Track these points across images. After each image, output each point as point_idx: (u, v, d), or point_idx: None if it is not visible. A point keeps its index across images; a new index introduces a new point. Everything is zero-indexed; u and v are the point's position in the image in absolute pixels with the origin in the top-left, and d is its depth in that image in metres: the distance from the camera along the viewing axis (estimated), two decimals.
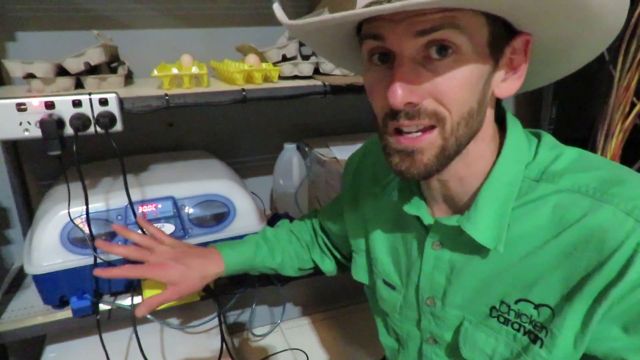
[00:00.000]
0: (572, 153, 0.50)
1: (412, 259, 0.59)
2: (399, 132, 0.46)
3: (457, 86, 0.43)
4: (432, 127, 0.45)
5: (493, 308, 0.52)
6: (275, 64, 0.94)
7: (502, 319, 0.52)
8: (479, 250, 0.51)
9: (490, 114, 0.50)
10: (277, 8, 0.48)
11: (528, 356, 0.49)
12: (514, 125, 0.52)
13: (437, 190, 0.55)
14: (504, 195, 0.49)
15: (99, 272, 0.69)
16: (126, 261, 0.82)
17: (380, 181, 0.65)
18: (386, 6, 0.37)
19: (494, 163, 0.50)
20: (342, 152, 1.09)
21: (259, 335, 1.33)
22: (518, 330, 0.50)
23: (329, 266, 0.85)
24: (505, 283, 0.51)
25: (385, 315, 0.68)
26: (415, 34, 0.42)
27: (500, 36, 0.44)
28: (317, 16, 0.43)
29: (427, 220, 0.54)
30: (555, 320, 0.47)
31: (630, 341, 0.44)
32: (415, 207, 0.56)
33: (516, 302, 0.50)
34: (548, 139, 0.52)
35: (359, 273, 0.71)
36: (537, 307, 0.49)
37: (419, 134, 0.45)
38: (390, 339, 0.70)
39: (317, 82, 0.91)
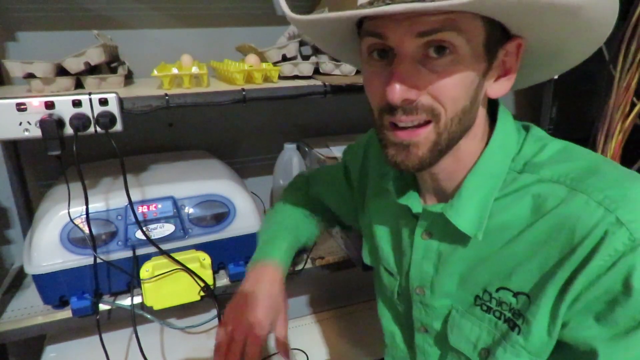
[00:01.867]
0: (555, 145, 0.51)
1: (404, 248, 0.61)
2: (395, 125, 0.48)
3: (453, 84, 0.45)
4: (427, 122, 0.47)
5: (477, 297, 0.54)
6: (275, 64, 0.94)
7: (485, 307, 0.53)
8: (462, 238, 0.53)
9: (482, 112, 0.52)
10: (283, 4, 0.49)
11: (507, 343, 0.50)
12: (504, 118, 0.53)
13: (428, 183, 0.57)
14: (488, 186, 0.51)
15: None
16: (125, 262, 0.83)
17: (381, 170, 0.67)
18: (389, 8, 0.39)
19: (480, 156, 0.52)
20: (342, 152, 1.09)
21: None
22: (499, 318, 0.52)
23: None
24: (487, 271, 0.52)
25: (389, 301, 0.69)
26: (416, 34, 0.43)
27: (496, 39, 0.46)
28: (321, 14, 0.45)
29: (416, 208, 0.56)
30: (530, 308, 0.48)
31: (601, 330, 0.44)
32: (406, 197, 0.58)
33: (497, 290, 0.51)
34: (535, 131, 0.54)
35: (367, 256, 0.73)
36: (515, 295, 0.50)
37: (415, 128, 0.47)
38: (392, 324, 0.70)
39: (317, 82, 0.91)
